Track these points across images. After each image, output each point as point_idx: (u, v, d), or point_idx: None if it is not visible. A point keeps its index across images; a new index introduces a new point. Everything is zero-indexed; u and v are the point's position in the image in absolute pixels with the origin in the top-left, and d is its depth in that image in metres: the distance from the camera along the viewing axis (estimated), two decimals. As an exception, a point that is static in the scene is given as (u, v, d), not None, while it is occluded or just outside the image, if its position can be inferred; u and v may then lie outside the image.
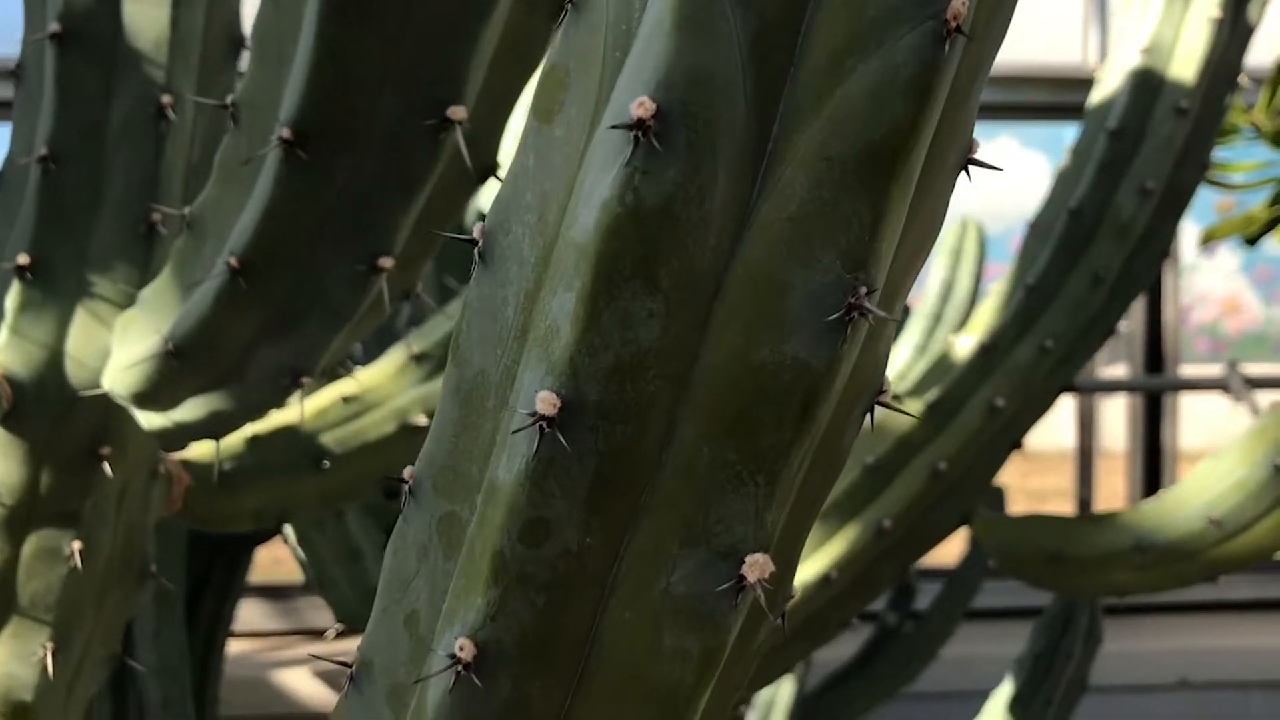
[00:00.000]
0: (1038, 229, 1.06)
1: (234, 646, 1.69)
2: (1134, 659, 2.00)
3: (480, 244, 0.32)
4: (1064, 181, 1.05)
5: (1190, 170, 1.02)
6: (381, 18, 0.48)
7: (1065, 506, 2.77)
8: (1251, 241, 1.82)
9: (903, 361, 1.48)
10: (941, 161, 0.31)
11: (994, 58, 0.31)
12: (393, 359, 1.03)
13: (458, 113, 0.50)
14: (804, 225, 0.28)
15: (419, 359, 1.03)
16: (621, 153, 0.27)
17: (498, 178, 0.58)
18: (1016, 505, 1.68)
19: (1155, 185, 1.00)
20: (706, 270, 0.28)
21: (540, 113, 0.31)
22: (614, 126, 0.27)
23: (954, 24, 0.26)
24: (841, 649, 1.66)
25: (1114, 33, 1.23)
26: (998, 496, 1.65)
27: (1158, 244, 1.03)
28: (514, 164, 0.32)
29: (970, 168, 0.32)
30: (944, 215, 0.33)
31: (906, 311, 1.55)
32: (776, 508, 0.30)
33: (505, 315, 0.31)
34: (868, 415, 0.34)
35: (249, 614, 2.50)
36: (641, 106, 0.27)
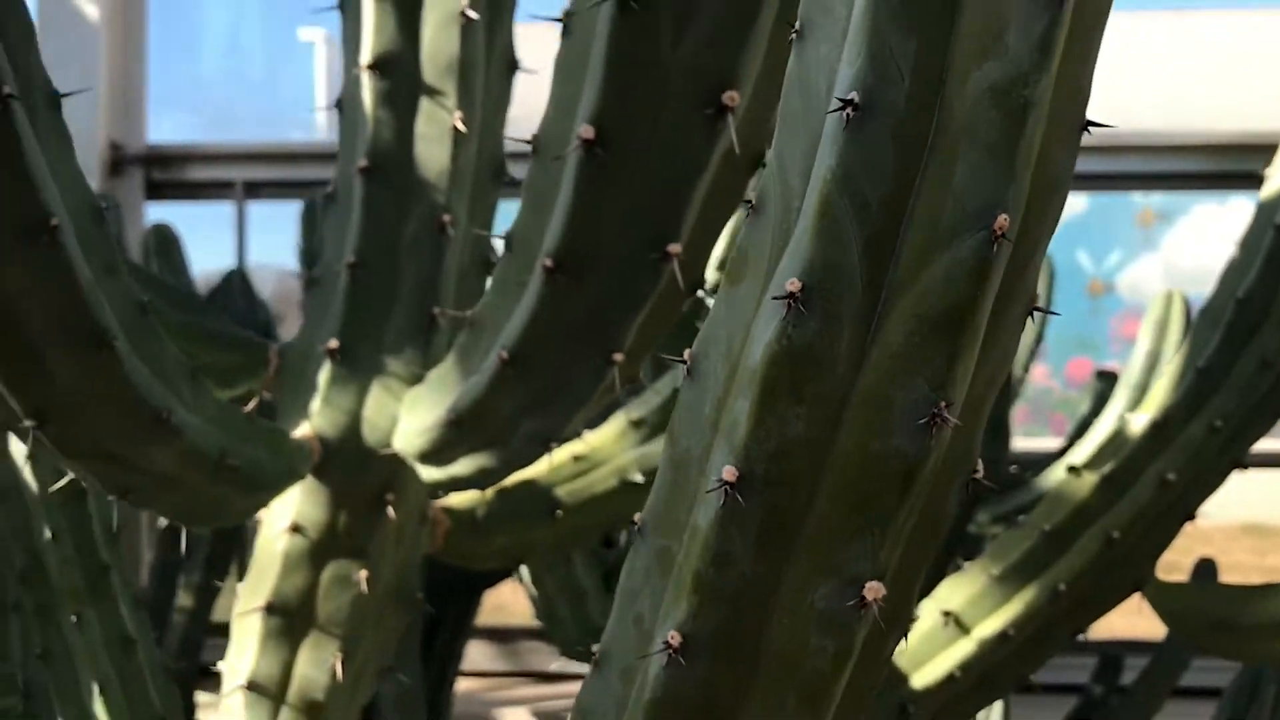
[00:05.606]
0: (1208, 314, 1.14)
1: (460, 685, 1.77)
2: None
3: (689, 364, 0.47)
4: (1233, 271, 1.12)
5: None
6: (623, 180, 0.64)
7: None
8: None
9: (1107, 431, 1.53)
10: (1006, 314, 0.44)
11: (1048, 241, 0.45)
12: (615, 424, 1.15)
13: (676, 248, 0.65)
14: (902, 361, 0.42)
15: (636, 424, 1.14)
16: (779, 313, 0.42)
17: (704, 291, 0.74)
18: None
19: (1322, 277, 1.06)
20: (836, 389, 0.42)
21: (730, 278, 0.46)
22: (775, 297, 0.42)
23: (999, 233, 0.40)
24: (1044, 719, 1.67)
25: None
26: (1210, 569, 1.68)
27: (1325, 332, 1.08)
28: (712, 311, 0.47)
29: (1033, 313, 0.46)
30: (1015, 349, 0.46)
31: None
32: (888, 550, 0.44)
33: (704, 412, 0.46)
34: (968, 488, 0.48)
35: (475, 654, 2.67)
36: (793, 284, 0.41)
